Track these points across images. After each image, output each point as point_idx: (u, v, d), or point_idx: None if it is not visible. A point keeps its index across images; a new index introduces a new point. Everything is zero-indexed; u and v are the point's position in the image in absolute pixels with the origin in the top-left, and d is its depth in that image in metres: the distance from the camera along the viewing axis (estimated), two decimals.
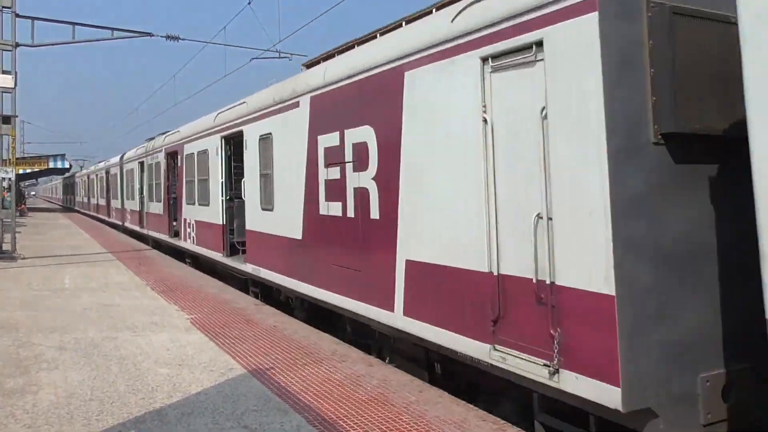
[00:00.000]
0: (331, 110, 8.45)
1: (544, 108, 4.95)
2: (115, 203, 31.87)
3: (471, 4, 5.92)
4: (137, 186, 24.26)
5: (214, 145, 14.32)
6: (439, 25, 6.39)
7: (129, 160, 26.49)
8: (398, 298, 6.86)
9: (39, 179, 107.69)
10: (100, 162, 39.26)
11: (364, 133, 7.57)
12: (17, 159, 20.08)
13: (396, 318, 6.90)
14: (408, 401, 5.83)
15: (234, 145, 13.97)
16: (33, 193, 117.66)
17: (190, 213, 16.40)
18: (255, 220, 11.56)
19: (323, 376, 6.65)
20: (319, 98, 8.80)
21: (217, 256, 14.11)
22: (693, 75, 4.67)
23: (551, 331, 4.85)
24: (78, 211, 54.72)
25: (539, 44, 5.00)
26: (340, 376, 6.65)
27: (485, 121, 5.58)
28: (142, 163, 23.32)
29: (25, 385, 6.38)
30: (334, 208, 8.41)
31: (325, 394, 6.07)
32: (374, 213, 7.38)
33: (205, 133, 15.17)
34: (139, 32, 21.35)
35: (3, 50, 18.27)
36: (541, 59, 4.99)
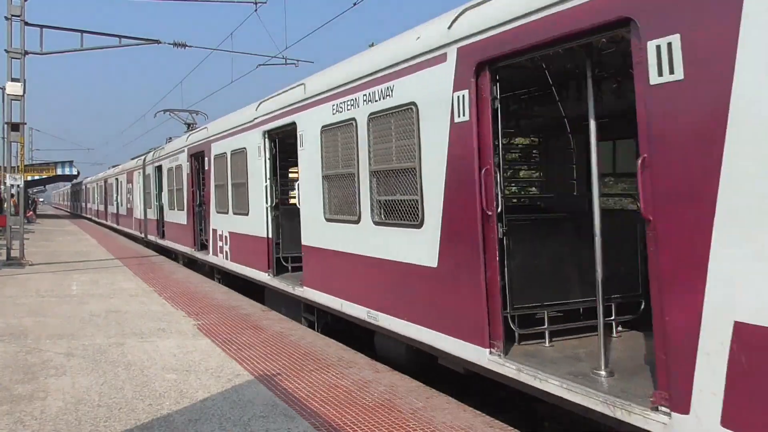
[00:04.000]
0: None
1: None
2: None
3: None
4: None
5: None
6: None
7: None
8: None
9: (49, 185, 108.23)
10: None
11: None
12: (25, 166, 20.20)
13: None
14: (415, 407, 5.82)
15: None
16: (41, 199, 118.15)
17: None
18: None
19: (330, 382, 6.65)
20: None
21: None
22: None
23: None
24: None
25: None
26: (346, 382, 6.64)
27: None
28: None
29: (34, 391, 6.40)
30: None
31: (332, 400, 6.07)
32: None
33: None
34: (147, 39, 21.47)
35: (12, 58, 18.43)
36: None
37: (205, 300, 12.12)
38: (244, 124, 12.60)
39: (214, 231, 15.17)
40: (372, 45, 8.63)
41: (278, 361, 7.53)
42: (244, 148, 12.51)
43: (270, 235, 11.47)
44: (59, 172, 58.77)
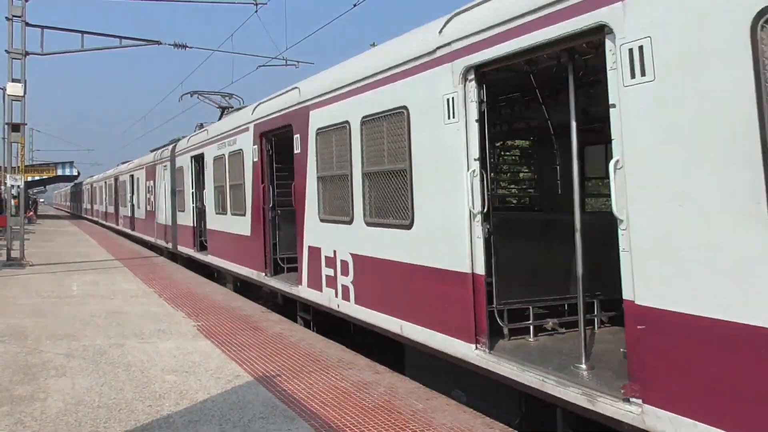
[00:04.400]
0: None
1: None
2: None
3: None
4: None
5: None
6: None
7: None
8: None
9: (50, 186, 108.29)
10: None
11: None
12: (26, 166, 20.22)
13: None
14: (415, 409, 5.83)
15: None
16: (42, 200, 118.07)
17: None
18: None
19: (330, 384, 6.65)
20: None
21: None
22: None
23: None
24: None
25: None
26: (346, 384, 6.65)
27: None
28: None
29: (34, 392, 6.41)
30: None
31: (332, 401, 6.08)
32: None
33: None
34: (147, 40, 21.50)
35: (13, 59, 18.45)
36: None
37: (205, 301, 12.12)
38: (402, 64, 7.18)
39: (314, 250, 9.47)
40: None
41: (278, 362, 7.53)
42: (403, 108, 7.12)
43: (477, 270, 6.07)
44: (59, 172, 58.76)
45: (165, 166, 21.11)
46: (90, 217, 53.27)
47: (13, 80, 18.40)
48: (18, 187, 19.26)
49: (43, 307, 11.28)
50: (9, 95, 18.44)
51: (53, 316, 10.43)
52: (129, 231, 30.10)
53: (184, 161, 18.29)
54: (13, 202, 19.81)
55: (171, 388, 6.53)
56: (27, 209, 27.46)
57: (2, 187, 25.89)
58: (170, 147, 20.82)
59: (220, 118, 17.58)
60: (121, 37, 20.75)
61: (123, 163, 35.96)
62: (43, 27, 19.50)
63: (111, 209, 37.70)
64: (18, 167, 19.23)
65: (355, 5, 14.71)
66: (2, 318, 10.28)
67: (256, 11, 20.78)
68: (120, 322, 9.93)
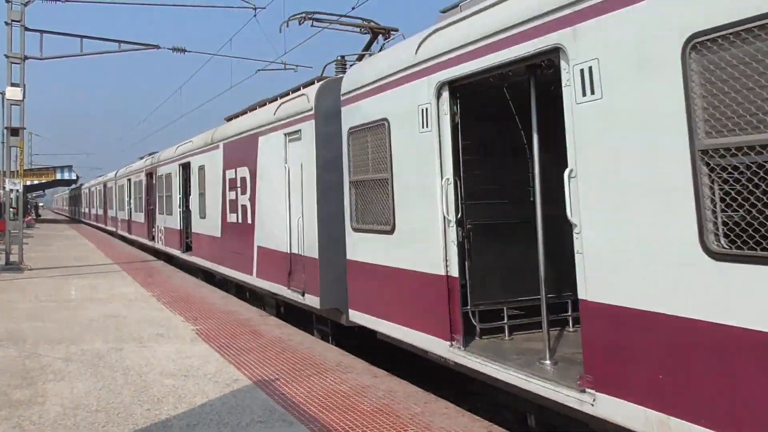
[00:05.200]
0: None
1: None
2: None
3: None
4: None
5: None
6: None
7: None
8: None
9: (50, 189, 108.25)
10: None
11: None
12: (25, 170, 20.22)
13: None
14: (413, 412, 5.83)
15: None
16: (41, 204, 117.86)
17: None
18: None
19: (328, 387, 6.65)
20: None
21: None
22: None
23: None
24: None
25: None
26: (345, 387, 6.64)
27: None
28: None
29: (32, 396, 6.40)
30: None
31: (331, 405, 6.07)
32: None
33: None
34: (146, 44, 21.54)
35: (12, 63, 18.48)
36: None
37: (204, 305, 12.11)
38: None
39: None
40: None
41: (276, 366, 7.53)
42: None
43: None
44: (58, 176, 58.81)
45: (294, 135, 10.28)
46: (103, 226, 40.96)
47: (12, 84, 18.43)
48: (17, 191, 19.27)
49: (42, 311, 11.27)
50: (8, 99, 18.47)
51: (52, 320, 10.42)
52: (178, 254, 18.85)
53: (401, 107, 7.15)
54: (12, 210, 19.80)
55: (169, 392, 6.53)
56: (26, 213, 27.40)
57: (1, 191, 25.87)
58: (310, 91, 9.83)
59: (359, 59, 10.57)
60: (119, 42, 20.79)
61: (150, 154, 25.09)
62: (42, 31, 19.54)
63: (139, 217, 25.77)
64: (17, 171, 19.24)
65: (353, 8, 14.74)
66: (1, 322, 10.28)
67: (255, 15, 20.84)
68: (118, 326, 9.92)
